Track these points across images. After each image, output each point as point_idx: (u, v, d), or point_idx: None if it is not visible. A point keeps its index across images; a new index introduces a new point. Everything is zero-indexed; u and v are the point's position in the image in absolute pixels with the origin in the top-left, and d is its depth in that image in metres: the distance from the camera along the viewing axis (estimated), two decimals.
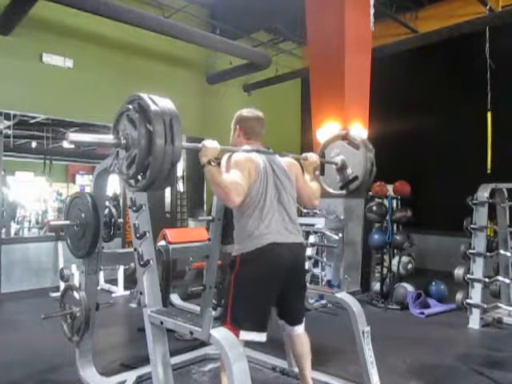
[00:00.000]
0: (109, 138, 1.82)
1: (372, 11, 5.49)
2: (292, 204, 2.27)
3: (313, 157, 2.54)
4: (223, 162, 2.18)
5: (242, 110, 2.42)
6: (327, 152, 2.79)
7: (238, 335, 2.01)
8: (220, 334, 1.86)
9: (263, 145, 2.39)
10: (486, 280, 4.22)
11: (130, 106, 1.75)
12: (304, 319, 2.41)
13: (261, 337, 2.14)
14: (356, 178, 2.63)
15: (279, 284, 2.19)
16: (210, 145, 1.97)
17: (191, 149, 2.04)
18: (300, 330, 2.38)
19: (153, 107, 1.68)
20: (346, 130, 2.78)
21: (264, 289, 2.15)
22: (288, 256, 2.17)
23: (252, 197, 2.14)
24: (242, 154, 2.19)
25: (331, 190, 2.78)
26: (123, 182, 1.84)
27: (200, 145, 1.96)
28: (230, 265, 2.22)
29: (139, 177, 1.74)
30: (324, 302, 4.75)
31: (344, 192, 2.71)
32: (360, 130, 5.43)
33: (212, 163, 1.96)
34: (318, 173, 2.76)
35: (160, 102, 1.73)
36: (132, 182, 1.78)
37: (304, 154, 2.55)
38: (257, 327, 2.12)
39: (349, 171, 2.66)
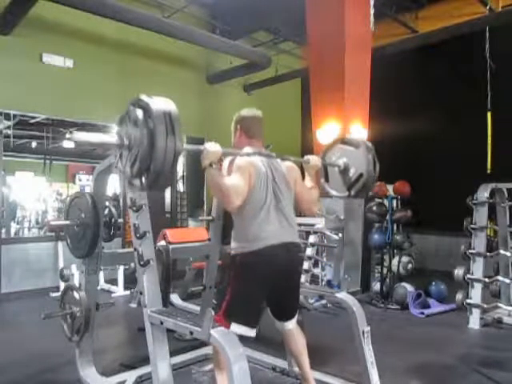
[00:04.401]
0: (112, 138, 1.85)
1: (372, 11, 5.49)
2: (290, 209, 2.31)
3: (314, 159, 2.54)
4: (225, 165, 2.21)
5: (241, 111, 2.44)
6: (328, 158, 2.78)
7: (228, 327, 2.08)
8: (220, 334, 1.86)
9: (264, 144, 2.41)
10: (486, 280, 4.22)
11: (131, 108, 1.81)
12: (295, 316, 2.44)
13: (251, 332, 2.19)
14: (361, 175, 2.60)
15: (275, 282, 2.24)
16: (212, 148, 1.98)
17: (193, 151, 2.06)
18: (291, 325, 2.41)
19: (152, 104, 1.75)
20: (342, 135, 2.80)
21: (260, 287, 2.21)
22: (284, 255, 2.22)
23: (251, 202, 2.17)
24: (244, 158, 2.21)
25: (338, 194, 2.74)
26: (127, 183, 1.86)
27: (202, 147, 1.97)
28: (230, 262, 2.27)
29: (143, 178, 1.78)
30: (324, 301, 4.75)
31: (352, 193, 2.66)
32: (360, 130, 5.44)
33: (213, 166, 1.97)
34: (322, 180, 2.76)
35: (157, 99, 1.80)
36: (136, 181, 1.81)
37: (306, 157, 2.54)
38: (248, 322, 2.18)
39: (352, 171, 2.63)
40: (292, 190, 2.35)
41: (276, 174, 2.28)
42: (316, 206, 2.53)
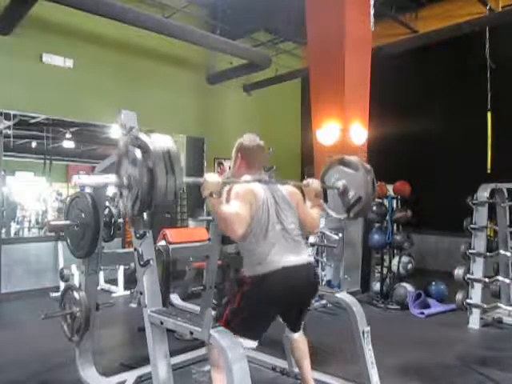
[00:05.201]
0: (113, 179, 1.86)
1: (372, 11, 5.49)
2: (295, 229, 2.27)
3: (314, 183, 2.53)
4: (224, 193, 2.18)
5: (243, 139, 2.41)
6: (327, 179, 2.78)
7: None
8: (220, 334, 1.86)
9: (264, 169, 2.41)
10: (486, 280, 4.22)
11: (130, 147, 1.79)
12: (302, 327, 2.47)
13: (252, 344, 2.16)
14: (360, 198, 2.62)
15: (287, 303, 2.23)
16: (211, 179, 1.98)
17: (193, 183, 2.07)
18: (297, 335, 2.45)
19: (150, 143, 1.73)
20: (340, 155, 2.78)
21: (269, 309, 2.18)
22: (298, 277, 2.18)
23: (255, 227, 2.14)
24: (243, 185, 2.20)
25: (337, 215, 2.77)
26: (130, 220, 1.87)
27: (201, 179, 1.98)
28: (239, 282, 2.21)
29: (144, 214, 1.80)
30: (324, 301, 4.74)
31: (351, 215, 2.69)
32: (360, 130, 5.44)
33: (214, 195, 1.98)
34: (321, 201, 2.77)
35: (156, 137, 1.78)
36: (138, 218, 1.81)
37: (305, 181, 2.55)
38: (252, 336, 2.14)
39: (351, 193, 2.64)
40: (295, 212, 2.32)
41: (277, 196, 2.26)
42: (318, 227, 2.56)
